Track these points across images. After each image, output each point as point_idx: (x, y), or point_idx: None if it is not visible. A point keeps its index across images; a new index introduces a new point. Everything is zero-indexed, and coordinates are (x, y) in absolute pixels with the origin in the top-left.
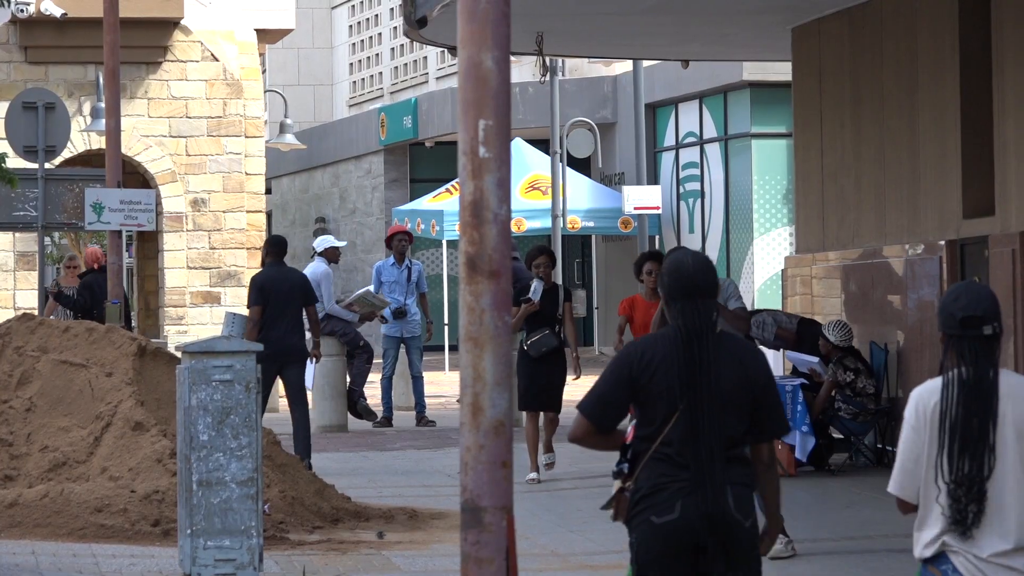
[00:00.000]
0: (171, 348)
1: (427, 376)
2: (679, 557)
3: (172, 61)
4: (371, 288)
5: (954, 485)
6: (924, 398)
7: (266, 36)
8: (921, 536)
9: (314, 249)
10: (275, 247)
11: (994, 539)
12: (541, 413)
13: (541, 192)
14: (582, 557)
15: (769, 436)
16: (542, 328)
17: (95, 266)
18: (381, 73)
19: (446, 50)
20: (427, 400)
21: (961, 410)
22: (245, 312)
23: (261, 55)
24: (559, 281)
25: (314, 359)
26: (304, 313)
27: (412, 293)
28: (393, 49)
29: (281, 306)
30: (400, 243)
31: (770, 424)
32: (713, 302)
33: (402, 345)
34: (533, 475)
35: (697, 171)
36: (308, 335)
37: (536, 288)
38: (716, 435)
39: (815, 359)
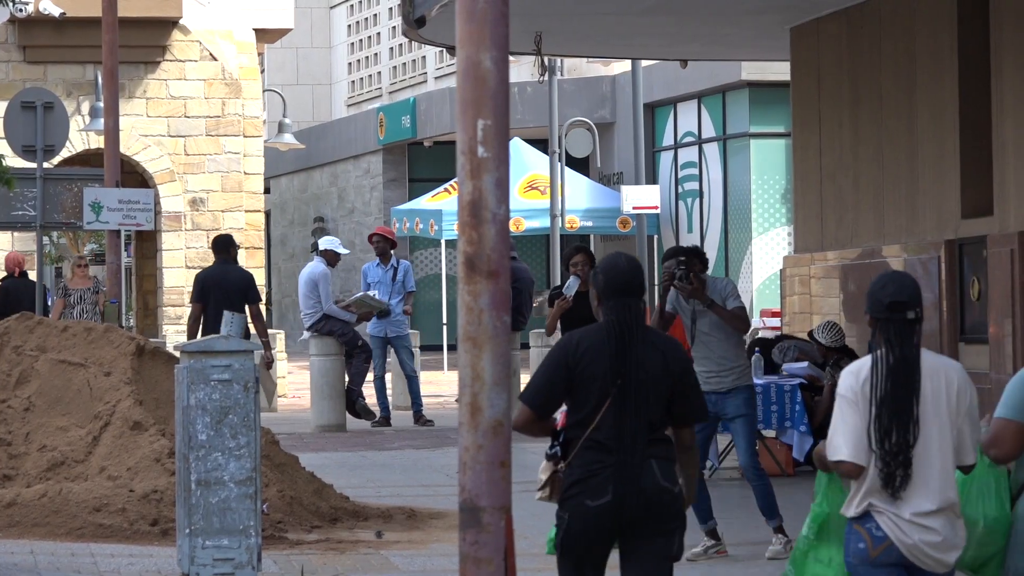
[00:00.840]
0: (169, 347)
1: (425, 376)
2: (602, 533)
3: (170, 61)
4: (370, 292)
5: (883, 452)
6: (855, 374)
7: (265, 36)
8: (850, 497)
9: (316, 247)
10: (216, 246)
11: (916, 501)
12: None
13: (540, 192)
14: None
15: (687, 421)
16: None
17: (16, 271)
18: (380, 73)
19: (445, 50)
20: (426, 400)
21: (889, 385)
22: (244, 312)
23: (260, 55)
24: (557, 280)
25: (265, 363)
26: (249, 312)
27: (398, 293)
28: (392, 49)
29: (222, 304)
30: (376, 244)
31: (688, 409)
32: (641, 301)
33: (389, 346)
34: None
35: (696, 171)
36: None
37: (571, 284)
38: (641, 418)
39: (803, 363)
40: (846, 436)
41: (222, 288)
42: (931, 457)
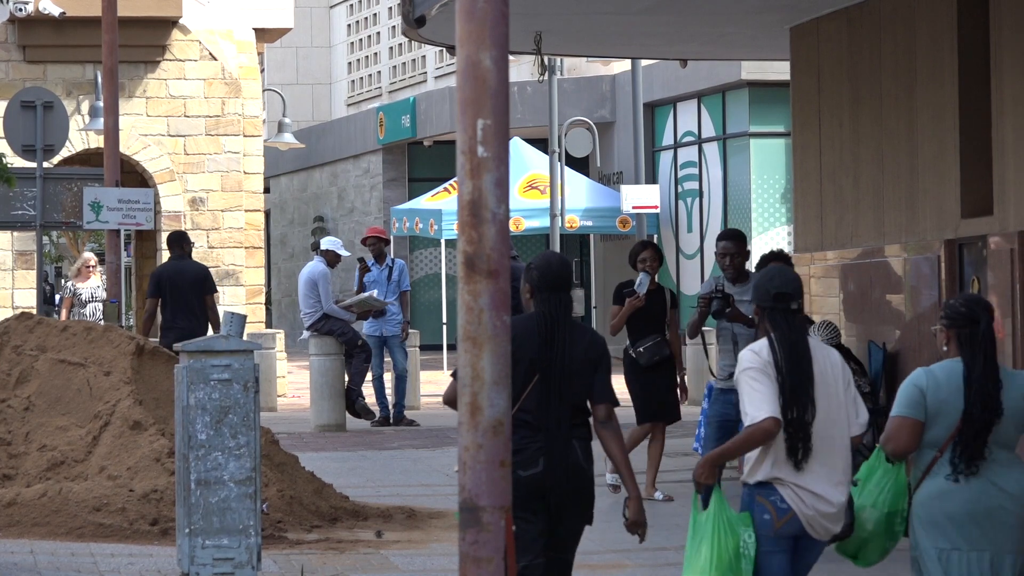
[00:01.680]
0: None
1: (425, 376)
2: (533, 502)
3: (170, 60)
4: (373, 292)
5: (786, 423)
6: (757, 353)
7: (264, 35)
8: (754, 465)
9: (317, 246)
10: (170, 242)
11: (821, 474)
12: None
13: (539, 191)
14: (581, 556)
15: (599, 398)
16: (652, 335)
17: None
18: (379, 72)
19: (444, 49)
20: (425, 399)
21: (786, 366)
22: (244, 311)
23: (259, 54)
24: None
25: None
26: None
27: (393, 292)
28: (391, 48)
29: (181, 297)
30: (372, 246)
31: (599, 389)
32: (569, 295)
33: (385, 345)
34: (658, 495)
35: (695, 170)
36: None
37: (642, 280)
38: (564, 401)
39: None
40: (764, 398)
41: (177, 283)
42: (830, 432)
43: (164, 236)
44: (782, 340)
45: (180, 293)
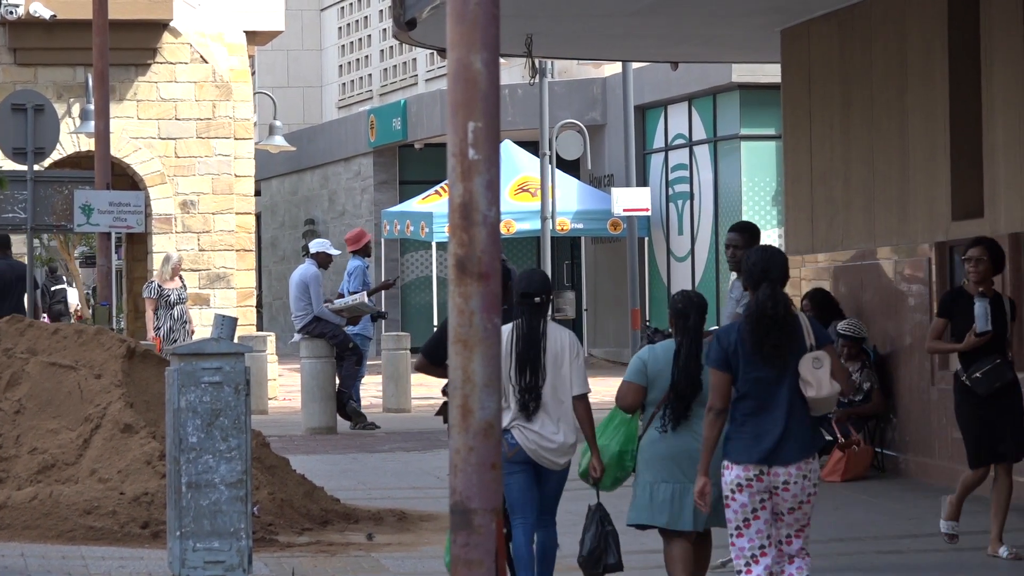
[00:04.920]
0: None
1: (416, 378)
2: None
3: (161, 63)
4: (363, 297)
5: (520, 388)
6: (504, 337)
7: (255, 38)
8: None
9: (307, 249)
10: None
11: (545, 422)
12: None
13: (530, 194)
14: (574, 559)
15: None
16: (989, 355)
17: None
18: (370, 75)
19: (435, 52)
20: (416, 401)
21: (523, 344)
22: (235, 314)
23: (250, 57)
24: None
25: None
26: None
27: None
28: (382, 51)
29: (6, 292)
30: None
31: None
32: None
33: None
34: (950, 525)
35: (686, 173)
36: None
37: (981, 312)
38: None
39: None
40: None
41: (7, 279)
42: (556, 391)
43: (155, 239)
44: (523, 326)
45: (6, 288)
